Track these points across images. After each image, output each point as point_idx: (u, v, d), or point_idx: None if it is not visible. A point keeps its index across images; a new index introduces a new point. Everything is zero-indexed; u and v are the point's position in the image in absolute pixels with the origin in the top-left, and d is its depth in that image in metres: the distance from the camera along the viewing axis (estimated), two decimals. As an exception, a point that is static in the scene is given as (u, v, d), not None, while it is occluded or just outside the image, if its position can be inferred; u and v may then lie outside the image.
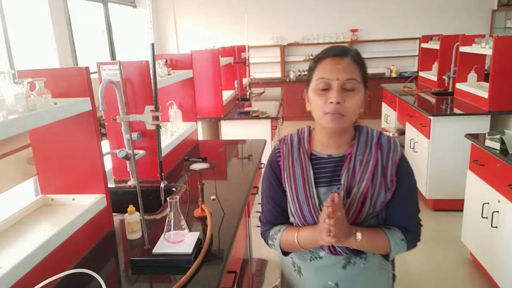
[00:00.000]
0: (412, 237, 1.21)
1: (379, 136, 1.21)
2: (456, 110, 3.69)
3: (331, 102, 1.10)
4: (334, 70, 1.10)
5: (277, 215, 1.28)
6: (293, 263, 1.32)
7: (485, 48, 3.52)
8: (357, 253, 1.19)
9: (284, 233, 1.24)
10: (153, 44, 1.59)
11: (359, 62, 1.14)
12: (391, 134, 4.56)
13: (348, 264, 1.22)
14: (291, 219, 1.26)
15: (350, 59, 1.12)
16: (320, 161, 1.22)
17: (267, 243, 1.32)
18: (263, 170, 2.72)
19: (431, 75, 4.97)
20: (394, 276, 1.38)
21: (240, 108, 4.31)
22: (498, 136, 2.43)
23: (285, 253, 1.29)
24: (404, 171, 1.19)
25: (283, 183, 1.24)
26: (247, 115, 3.92)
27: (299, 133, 1.28)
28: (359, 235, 1.12)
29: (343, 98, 1.10)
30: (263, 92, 5.33)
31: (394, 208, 1.19)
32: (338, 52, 1.13)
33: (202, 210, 1.68)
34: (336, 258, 1.21)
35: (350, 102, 1.11)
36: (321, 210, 1.17)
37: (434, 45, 4.87)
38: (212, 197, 1.83)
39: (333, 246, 1.18)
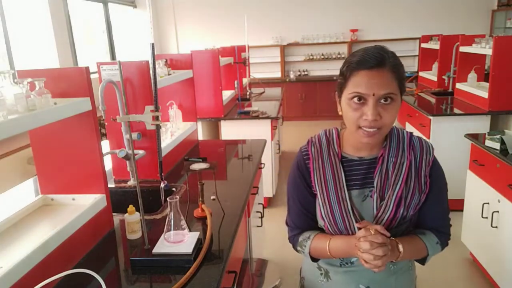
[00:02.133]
0: (444, 238, 1.21)
1: (410, 137, 1.18)
2: (456, 110, 3.69)
3: (367, 119, 1.04)
4: (370, 85, 1.02)
5: (305, 219, 1.24)
6: (319, 267, 1.28)
7: (485, 48, 3.51)
8: None
9: (314, 241, 1.20)
10: (153, 44, 1.59)
11: (397, 72, 1.05)
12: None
13: None
14: (320, 223, 1.22)
15: (387, 71, 1.03)
16: (352, 164, 1.18)
17: (295, 248, 1.28)
18: (263, 170, 2.73)
19: (431, 75, 4.96)
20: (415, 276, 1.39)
21: (240, 108, 4.31)
22: (498, 136, 2.43)
23: (314, 259, 1.26)
24: (437, 172, 1.17)
25: (312, 185, 1.19)
26: (247, 115, 3.92)
27: (327, 134, 1.23)
28: (401, 247, 1.09)
29: (380, 113, 1.04)
30: (263, 92, 5.33)
31: (428, 210, 1.18)
32: (375, 63, 1.03)
33: (202, 210, 1.68)
34: None
35: (387, 116, 1.05)
36: (353, 213, 1.15)
37: (434, 45, 4.86)
38: (212, 197, 1.82)
39: None
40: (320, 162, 1.19)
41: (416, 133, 3.88)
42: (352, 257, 1.16)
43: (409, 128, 4.17)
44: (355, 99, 1.05)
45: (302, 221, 1.24)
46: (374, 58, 1.03)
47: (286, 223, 1.30)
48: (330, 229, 1.19)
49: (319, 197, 1.18)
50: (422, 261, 1.21)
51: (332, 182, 1.16)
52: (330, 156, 1.18)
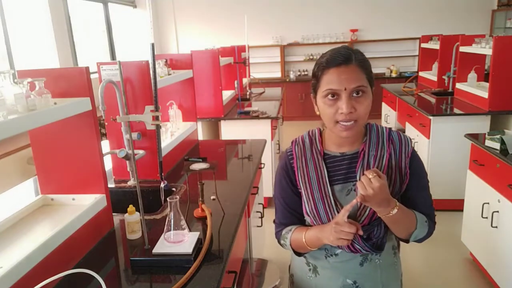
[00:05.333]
0: (431, 224, 1.23)
1: (389, 131, 1.24)
2: (456, 110, 3.69)
3: (342, 113, 1.10)
4: (341, 81, 1.09)
5: (290, 217, 1.28)
6: (307, 263, 1.32)
7: (485, 48, 3.51)
8: (375, 250, 1.19)
9: (294, 232, 1.25)
10: (153, 44, 1.59)
11: (364, 66, 1.12)
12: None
13: (365, 261, 1.23)
14: (306, 219, 1.26)
15: (355, 66, 1.10)
16: (334, 160, 1.22)
17: (280, 243, 1.33)
18: (263, 170, 2.74)
19: (431, 75, 4.97)
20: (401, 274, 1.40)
21: (240, 108, 4.31)
22: (498, 136, 2.43)
23: (298, 253, 1.29)
24: (417, 163, 1.22)
25: (297, 184, 1.25)
26: (247, 115, 3.92)
27: (310, 134, 1.28)
28: (395, 210, 1.09)
29: (354, 106, 1.09)
30: (263, 92, 5.33)
31: (413, 200, 1.21)
32: (342, 60, 1.10)
33: (202, 210, 1.68)
34: (352, 254, 1.22)
35: (361, 107, 1.10)
36: (336, 208, 1.18)
37: (434, 45, 4.87)
38: (212, 197, 1.82)
39: (352, 243, 1.16)
40: (303, 160, 1.24)
41: (416, 133, 3.89)
42: (321, 242, 1.16)
43: (409, 128, 4.17)
44: (329, 96, 1.11)
45: (287, 218, 1.29)
46: (341, 56, 1.10)
47: (274, 221, 1.35)
48: (316, 224, 1.22)
49: (304, 194, 1.23)
50: (407, 237, 1.20)
51: (315, 178, 1.21)
52: (313, 154, 1.23)
